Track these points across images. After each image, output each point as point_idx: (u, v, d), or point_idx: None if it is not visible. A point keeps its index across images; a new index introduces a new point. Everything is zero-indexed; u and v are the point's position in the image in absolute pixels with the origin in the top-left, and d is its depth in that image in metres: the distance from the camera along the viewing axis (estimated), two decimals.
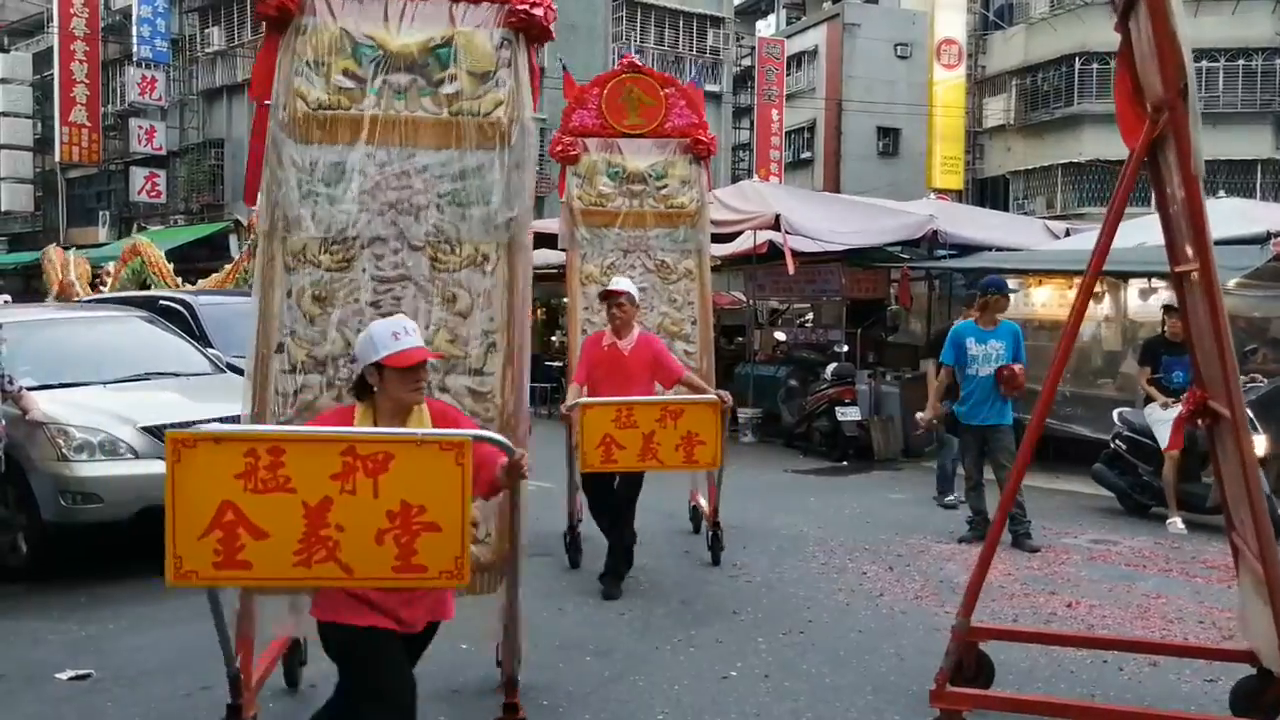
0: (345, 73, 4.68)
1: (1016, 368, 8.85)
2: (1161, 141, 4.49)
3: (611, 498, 7.52)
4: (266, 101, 4.71)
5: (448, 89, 4.79)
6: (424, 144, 4.76)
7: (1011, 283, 14.50)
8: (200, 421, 7.81)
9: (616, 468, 7.09)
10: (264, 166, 4.66)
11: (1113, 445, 10.62)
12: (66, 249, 23.11)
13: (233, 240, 29.70)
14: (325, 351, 4.60)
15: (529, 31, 4.92)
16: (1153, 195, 5.10)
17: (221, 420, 7.92)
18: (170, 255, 26.35)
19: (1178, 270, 4.96)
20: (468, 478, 3.54)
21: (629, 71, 9.18)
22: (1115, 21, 4.79)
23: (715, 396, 7.18)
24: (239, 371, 8.48)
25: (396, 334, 3.82)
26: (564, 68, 11.25)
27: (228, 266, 17.39)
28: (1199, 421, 4.98)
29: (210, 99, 36.81)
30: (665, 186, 8.94)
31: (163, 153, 36.76)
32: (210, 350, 9.98)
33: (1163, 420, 9.77)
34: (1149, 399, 10.14)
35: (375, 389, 3.86)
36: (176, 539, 3.47)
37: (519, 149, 4.85)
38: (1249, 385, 10.05)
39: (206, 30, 36.52)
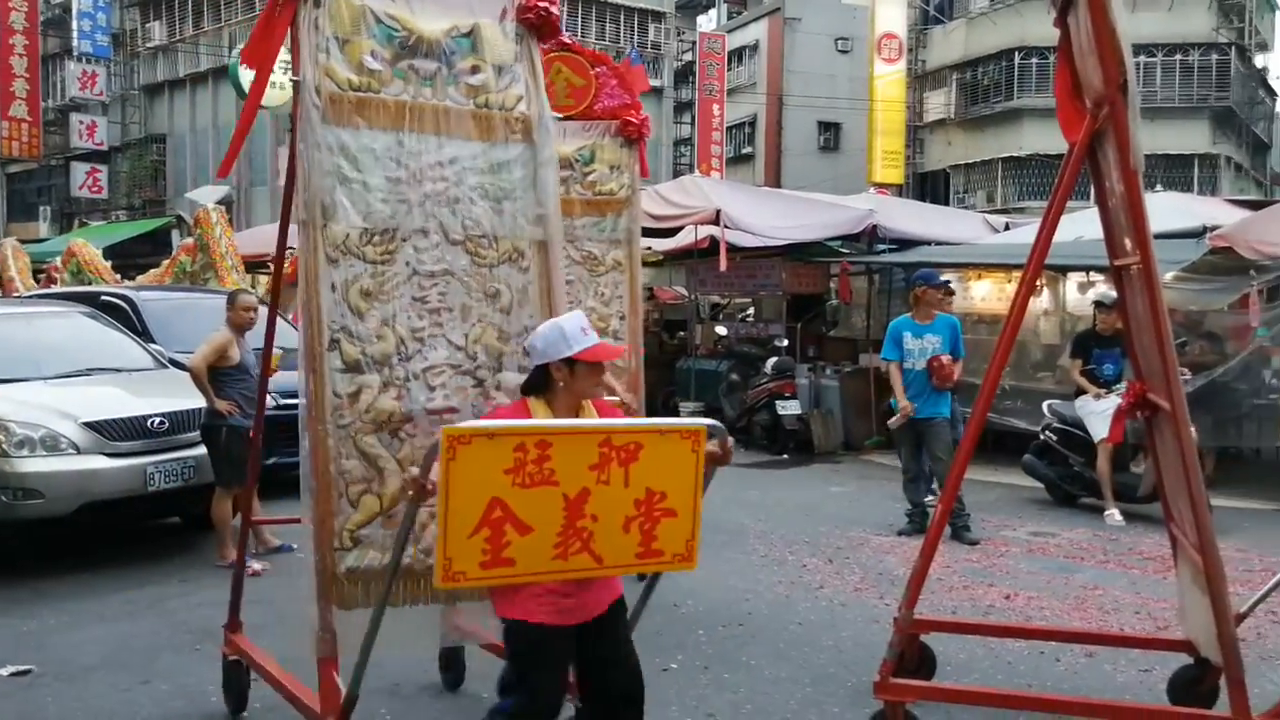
0: (372, 54, 4.45)
1: (945, 359, 8.96)
2: (1101, 136, 4.57)
3: None
4: (294, 79, 4.38)
5: (473, 79, 4.66)
6: (454, 134, 4.60)
7: (951, 276, 14.73)
8: (145, 417, 7.89)
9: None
10: (297, 152, 4.33)
11: (1043, 436, 10.81)
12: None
13: (175, 235, 29.44)
14: (379, 350, 4.39)
15: (541, 29, 4.87)
16: (1092, 189, 5.19)
17: (165, 416, 7.99)
18: (112, 251, 26.00)
19: (1117, 264, 5.00)
20: (701, 463, 3.61)
21: (558, 50, 8.38)
22: (1055, 17, 4.85)
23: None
24: (181, 367, 8.50)
25: (584, 330, 3.87)
26: None
27: (165, 261, 17.17)
28: (1138, 414, 5.04)
29: (152, 94, 36.46)
30: (593, 172, 8.10)
31: (104, 148, 36.40)
32: (153, 345, 9.93)
33: (1096, 412, 10.05)
34: (1080, 391, 10.34)
35: (561, 383, 3.88)
36: (448, 540, 3.34)
37: (543, 145, 4.80)
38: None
39: (148, 25, 36.17)
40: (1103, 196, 4.99)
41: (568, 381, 3.86)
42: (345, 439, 4.22)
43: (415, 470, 3.49)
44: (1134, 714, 4.89)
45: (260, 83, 4.56)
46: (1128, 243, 4.68)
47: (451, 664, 5.59)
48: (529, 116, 4.76)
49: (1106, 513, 9.88)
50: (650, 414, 16.20)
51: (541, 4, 4.84)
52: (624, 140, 8.17)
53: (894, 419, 9.33)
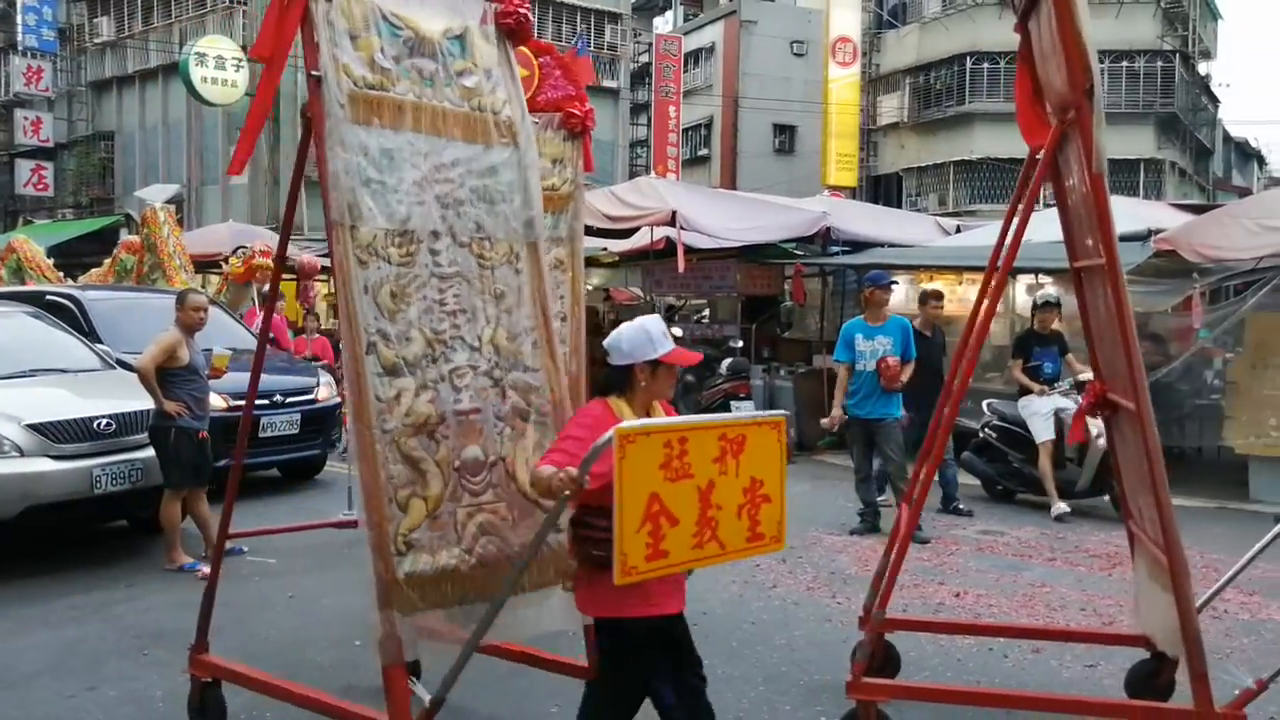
0: (382, 51, 4.45)
1: (892, 361, 9.04)
2: (1063, 140, 4.60)
3: None
4: (314, 74, 4.30)
5: (467, 81, 4.72)
6: (454, 136, 4.64)
7: (903, 278, 14.85)
8: (91, 418, 7.78)
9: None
10: (325, 149, 4.24)
11: (982, 434, 11.01)
12: None
13: (124, 234, 29.05)
14: (411, 352, 4.38)
15: (517, 33, 4.97)
16: (1043, 193, 5.23)
17: (112, 417, 7.89)
18: (58, 250, 25.60)
19: (1078, 265, 5.06)
20: (784, 450, 3.82)
21: None
22: (1015, 23, 4.88)
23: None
24: (129, 367, 8.38)
25: (665, 333, 4.06)
26: None
27: (107, 260, 16.93)
28: (1098, 413, 5.08)
29: (100, 90, 35.96)
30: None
31: (50, 144, 35.83)
32: (100, 346, 9.80)
33: (1037, 412, 10.32)
34: (1024, 390, 10.52)
35: (643, 383, 4.03)
36: (624, 536, 3.41)
37: (526, 149, 4.90)
38: None
39: (95, 20, 35.66)
40: (1062, 198, 5.04)
41: (649, 382, 4.03)
42: (390, 443, 4.23)
43: (574, 470, 3.57)
44: (1104, 709, 4.92)
45: (273, 78, 4.45)
46: (1089, 244, 4.71)
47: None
48: (514, 120, 4.84)
49: (1054, 508, 10.03)
50: None
51: (520, 9, 4.92)
52: (567, 133, 7.56)
53: (825, 419, 9.77)
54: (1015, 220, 4.94)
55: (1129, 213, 13.90)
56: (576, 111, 7.48)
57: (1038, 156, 4.90)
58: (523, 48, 7.43)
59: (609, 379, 4.09)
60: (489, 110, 4.76)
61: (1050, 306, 10.59)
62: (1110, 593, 7.61)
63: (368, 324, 4.25)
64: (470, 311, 4.56)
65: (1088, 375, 8.50)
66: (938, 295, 10.87)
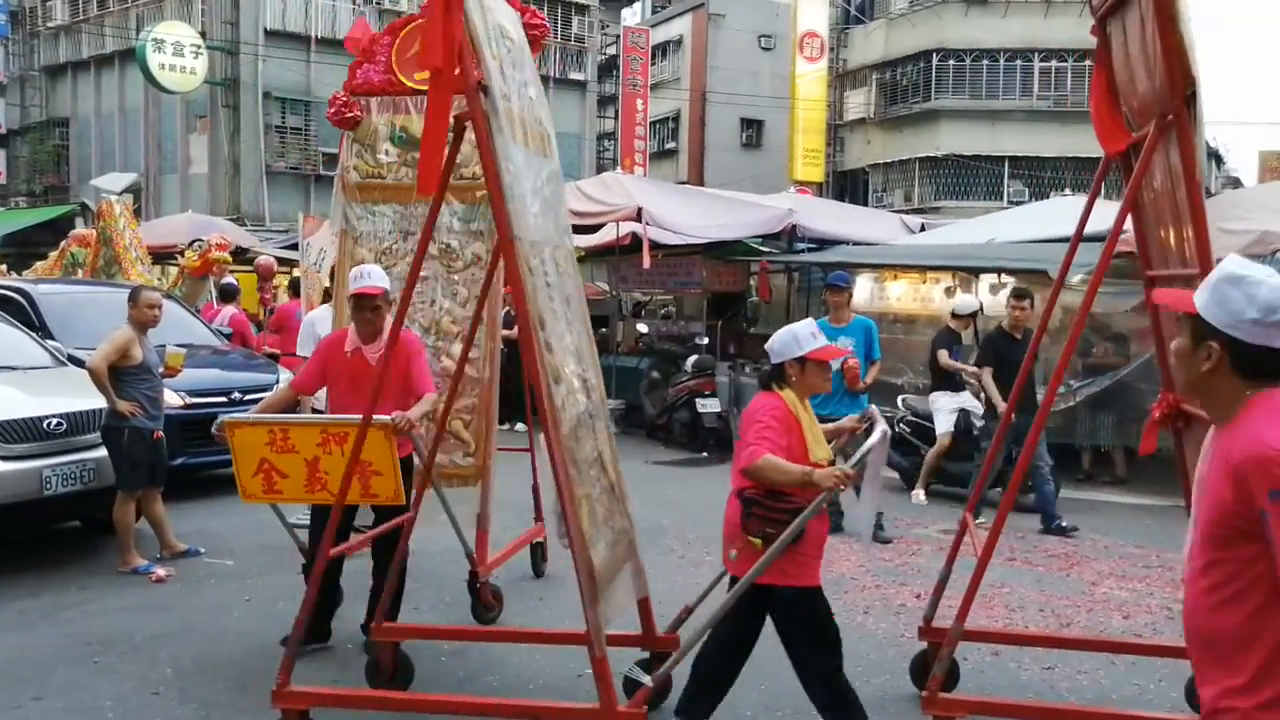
0: (503, 63, 4.58)
1: (852, 362, 8.97)
2: (1140, 145, 4.47)
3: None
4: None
5: (531, 93, 5.01)
6: (536, 148, 4.88)
7: (866, 276, 14.87)
8: (41, 418, 7.61)
9: (281, 499, 5.76)
10: (498, 160, 4.29)
11: (897, 429, 11.29)
12: None
13: (79, 223, 28.67)
14: (559, 358, 4.52)
15: (535, 45, 5.44)
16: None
17: (63, 416, 7.72)
18: (11, 239, 25.22)
19: (1153, 274, 4.88)
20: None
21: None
22: (1092, 25, 4.78)
23: (384, 420, 5.43)
24: (80, 364, 8.21)
25: (814, 334, 4.70)
26: (361, 14, 9.86)
27: (53, 253, 16.62)
28: (1173, 426, 4.84)
29: (54, 75, 35.42)
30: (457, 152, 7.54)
31: (2, 131, 35.32)
32: (51, 342, 9.58)
33: (943, 408, 10.83)
34: (936, 385, 10.94)
35: (794, 378, 4.62)
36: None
37: (554, 156, 5.25)
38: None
39: (49, 3, 35.06)
40: (1132, 203, 4.83)
41: (799, 376, 4.64)
42: (568, 448, 4.42)
43: (846, 467, 4.32)
44: None
45: (444, 87, 4.38)
46: (1172, 252, 4.54)
47: None
48: (550, 130, 5.19)
49: (913, 494, 10.94)
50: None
51: (542, 22, 5.38)
52: None
53: None
54: (1087, 223, 5.28)
55: (1095, 212, 13.99)
56: None
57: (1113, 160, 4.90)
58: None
59: (769, 375, 4.74)
60: (541, 122, 5.01)
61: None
62: (1068, 593, 7.62)
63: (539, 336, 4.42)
64: (566, 319, 4.81)
65: None
66: (1020, 294, 10.18)
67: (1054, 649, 6.16)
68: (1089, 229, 11.90)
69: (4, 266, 17.36)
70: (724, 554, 4.78)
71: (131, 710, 5.23)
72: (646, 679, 4.64)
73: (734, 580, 4.66)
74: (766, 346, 4.79)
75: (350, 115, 7.17)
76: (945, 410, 10.75)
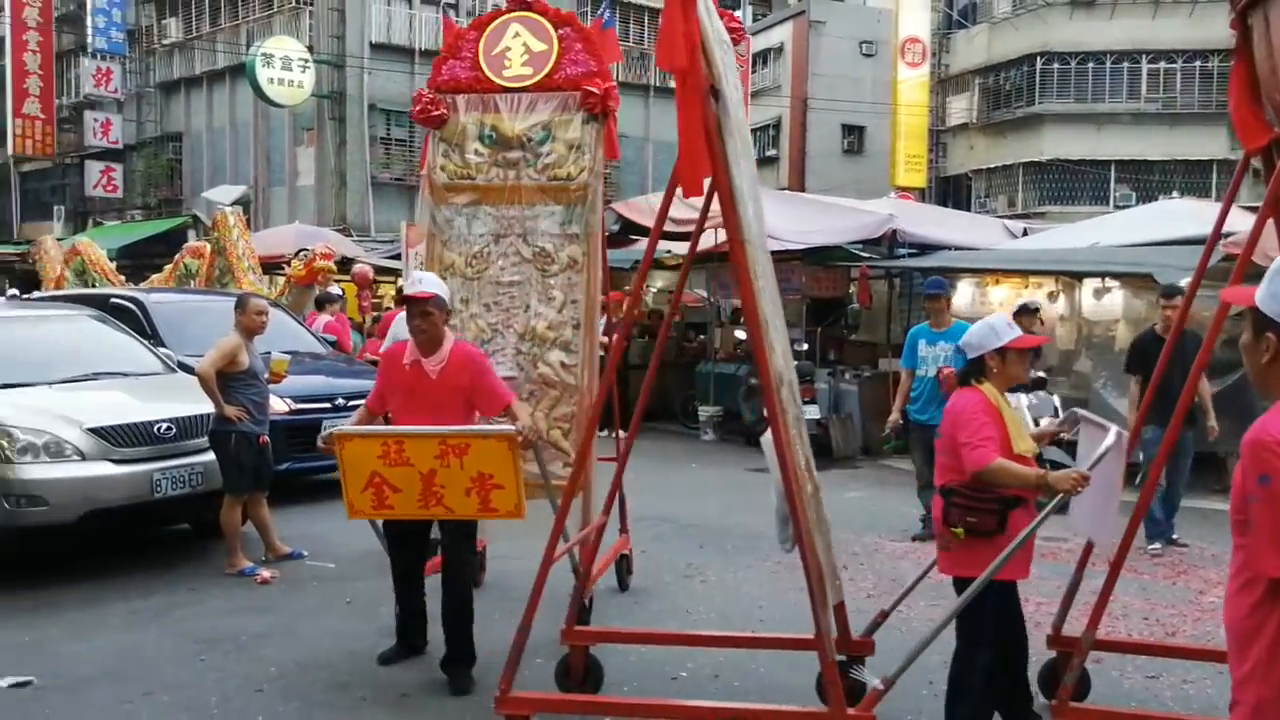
0: None
1: (948, 370, 8.84)
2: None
3: (420, 555, 6.08)
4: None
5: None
6: None
7: (967, 282, 14.65)
8: (152, 423, 7.82)
9: (393, 515, 5.62)
10: (733, 165, 4.39)
11: None
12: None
13: (191, 235, 29.46)
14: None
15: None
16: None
17: (173, 421, 7.92)
18: (127, 251, 25.99)
19: None
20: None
21: (518, 9, 7.15)
22: (1231, 18, 4.68)
23: (509, 430, 5.37)
24: (190, 371, 8.42)
25: (1011, 325, 4.77)
26: (446, 10, 9.75)
27: (168, 265, 17.10)
28: None
29: (168, 91, 36.43)
30: (548, 153, 6.95)
31: (119, 146, 36.37)
32: (162, 349, 9.86)
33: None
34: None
35: (994, 369, 4.67)
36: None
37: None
38: None
39: (164, 21, 36.12)
40: (1271, 203, 4.69)
41: (999, 368, 4.68)
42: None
43: (1084, 470, 4.46)
44: None
45: (691, 87, 4.26)
46: None
47: None
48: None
49: None
50: (669, 418, 16.14)
51: (736, 24, 5.42)
52: (586, 115, 6.93)
53: (890, 419, 9.77)
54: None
55: (1198, 215, 13.65)
56: (595, 89, 6.88)
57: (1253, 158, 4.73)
58: (541, 19, 7.09)
59: (968, 370, 4.78)
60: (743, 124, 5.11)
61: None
62: (1174, 602, 7.45)
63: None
64: (774, 324, 4.92)
65: None
66: (1171, 293, 9.31)
67: (1159, 657, 6.02)
68: (1198, 231, 11.67)
69: (123, 277, 17.88)
70: (938, 549, 4.85)
71: (235, 707, 5.35)
72: (875, 680, 4.58)
73: (956, 582, 4.73)
74: (962, 342, 4.85)
75: (436, 113, 7.04)
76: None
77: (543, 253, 6.98)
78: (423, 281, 5.76)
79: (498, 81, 7.03)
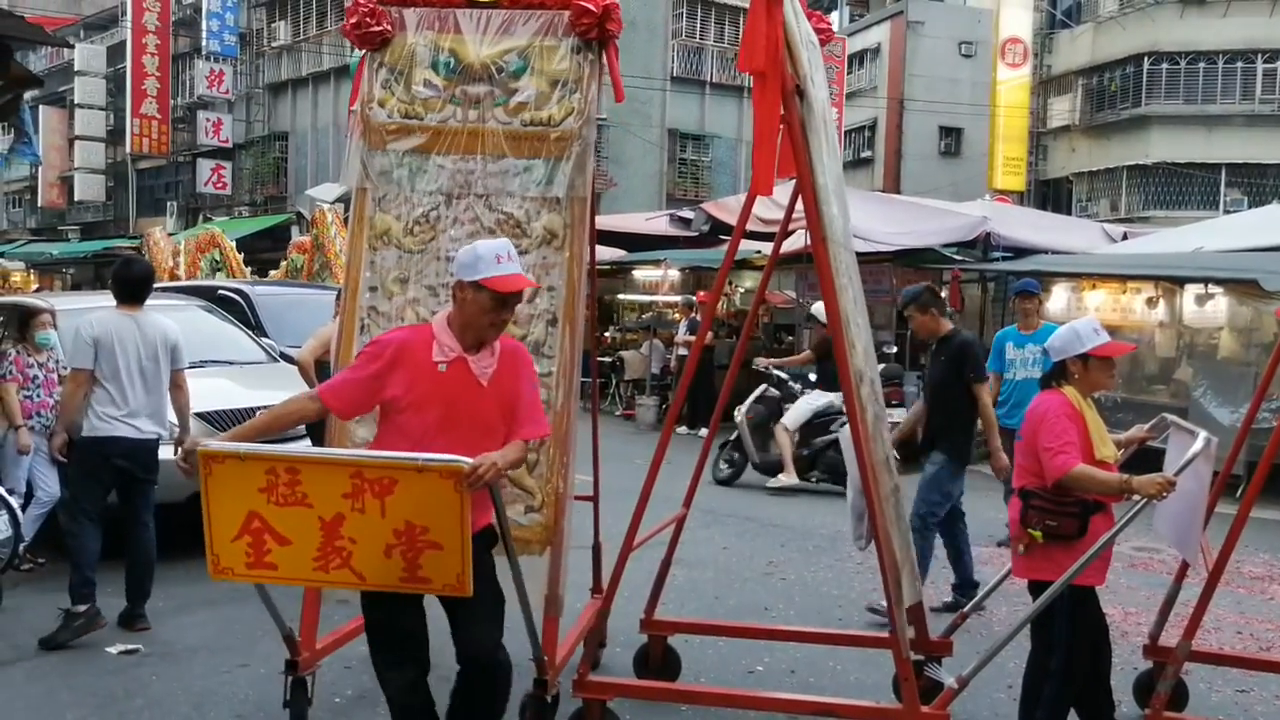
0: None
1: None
2: None
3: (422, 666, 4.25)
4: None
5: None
6: None
7: (1064, 286, 14.48)
8: (254, 409, 8.07)
9: (274, 579, 3.89)
10: (815, 162, 4.34)
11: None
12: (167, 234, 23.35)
13: (295, 231, 30.16)
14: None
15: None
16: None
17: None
18: (235, 246, 26.67)
19: None
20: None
21: None
22: None
23: (457, 462, 3.49)
24: (291, 361, 8.70)
25: (1097, 331, 4.68)
26: None
27: (284, 262, 17.62)
28: None
29: (276, 92, 37.40)
30: (524, 90, 5.05)
31: (229, 145, 37.43)
32: (264, 339, 10.20)
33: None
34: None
35: (1076, 375, 4.65)
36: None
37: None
38: None
39: (273, 25, 37.13)
40: None
41: (1081, 374, 4.65)
42: (871, 450, 4.59)
43: (1169, 475, 4.42)
44: None
45: (771, 89, 4.10)
46: None
47: None
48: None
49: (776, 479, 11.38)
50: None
51: (825, 25, 5.14)
52: (578, 42, 5.03)
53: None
54: None
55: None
56: (591, 6, 4.94)
57: None
58: None
59: (1051, 373, 4.77)
60: (829, 122, 5.17)
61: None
62: (1268, 616, 7.33)
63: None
64: (856, 322, 5.13)
65: None
66: None
67: (1252, 671, 5.97)
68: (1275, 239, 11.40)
69: (249, 270, 18.42)
70: (1012, 553, 4.84)
71: (326, 681, 5.54)
72: (950, 680, 4.59)
73: (1032, 585, 4.72)
74: (1046, 345, 4.84)
75: (376, 29, 5.08)
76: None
77: (510, 220, 5.03)
78: (512, 257, 4.00)
79: None
